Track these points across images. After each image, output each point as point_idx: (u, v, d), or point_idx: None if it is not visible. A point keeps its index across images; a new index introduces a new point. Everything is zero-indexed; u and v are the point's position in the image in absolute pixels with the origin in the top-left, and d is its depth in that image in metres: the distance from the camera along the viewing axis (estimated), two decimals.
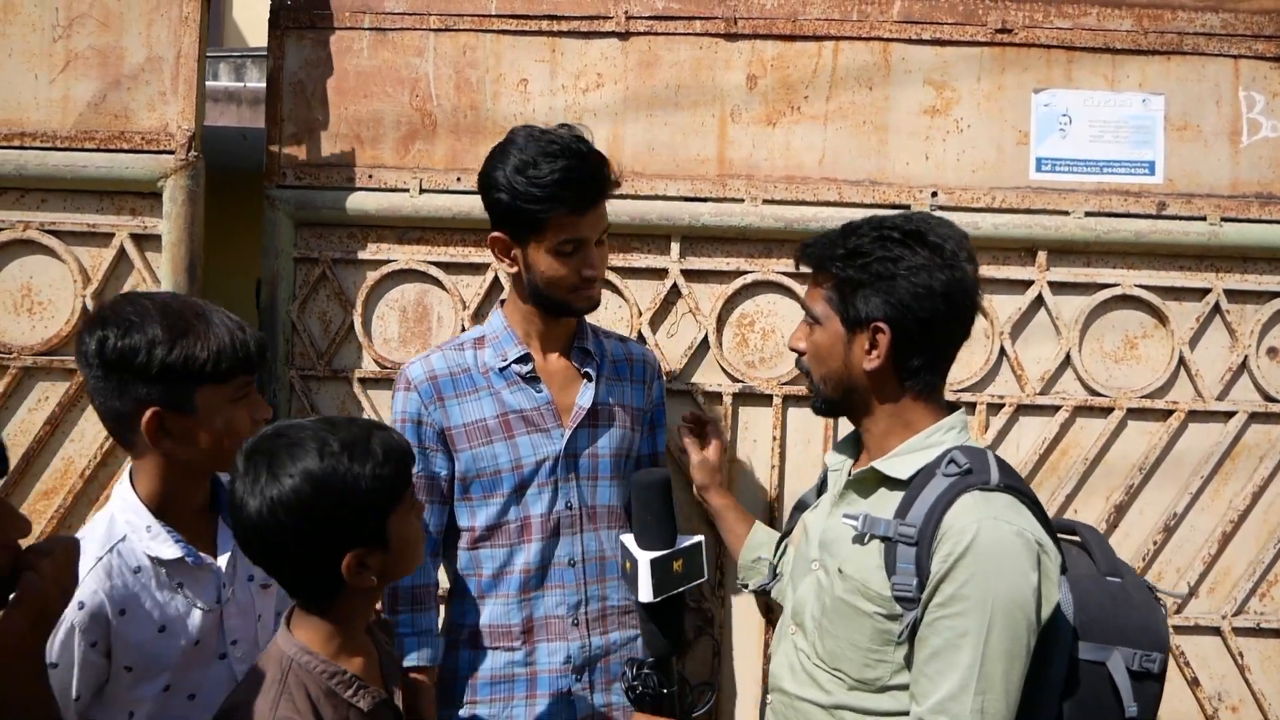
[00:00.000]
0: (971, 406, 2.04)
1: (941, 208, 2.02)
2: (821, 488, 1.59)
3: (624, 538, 1.47)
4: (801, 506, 1.63)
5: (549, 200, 1.52)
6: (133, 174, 1.91)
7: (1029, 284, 2.05)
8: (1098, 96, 2.07)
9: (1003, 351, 2.05)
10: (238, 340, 1.31)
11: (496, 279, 2.05)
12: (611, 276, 2.03)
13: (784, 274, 2.04)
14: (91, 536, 1.29)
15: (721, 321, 2.06)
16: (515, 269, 1.63)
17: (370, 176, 2.04)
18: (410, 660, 1.63)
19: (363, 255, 2.05)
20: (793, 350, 1.45)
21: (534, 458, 1.65)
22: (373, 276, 2.05)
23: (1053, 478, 2.07)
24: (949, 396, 2.09)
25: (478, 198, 2.01)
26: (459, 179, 2.04)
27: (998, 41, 2.05)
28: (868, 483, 1.38)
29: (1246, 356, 2.06)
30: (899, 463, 1.33)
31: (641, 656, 1.60)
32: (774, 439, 2.05)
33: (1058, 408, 2.06)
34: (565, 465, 1.66)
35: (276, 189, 2.03)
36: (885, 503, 1.33)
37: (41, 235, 1.93)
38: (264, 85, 2.19)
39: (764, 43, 2.04)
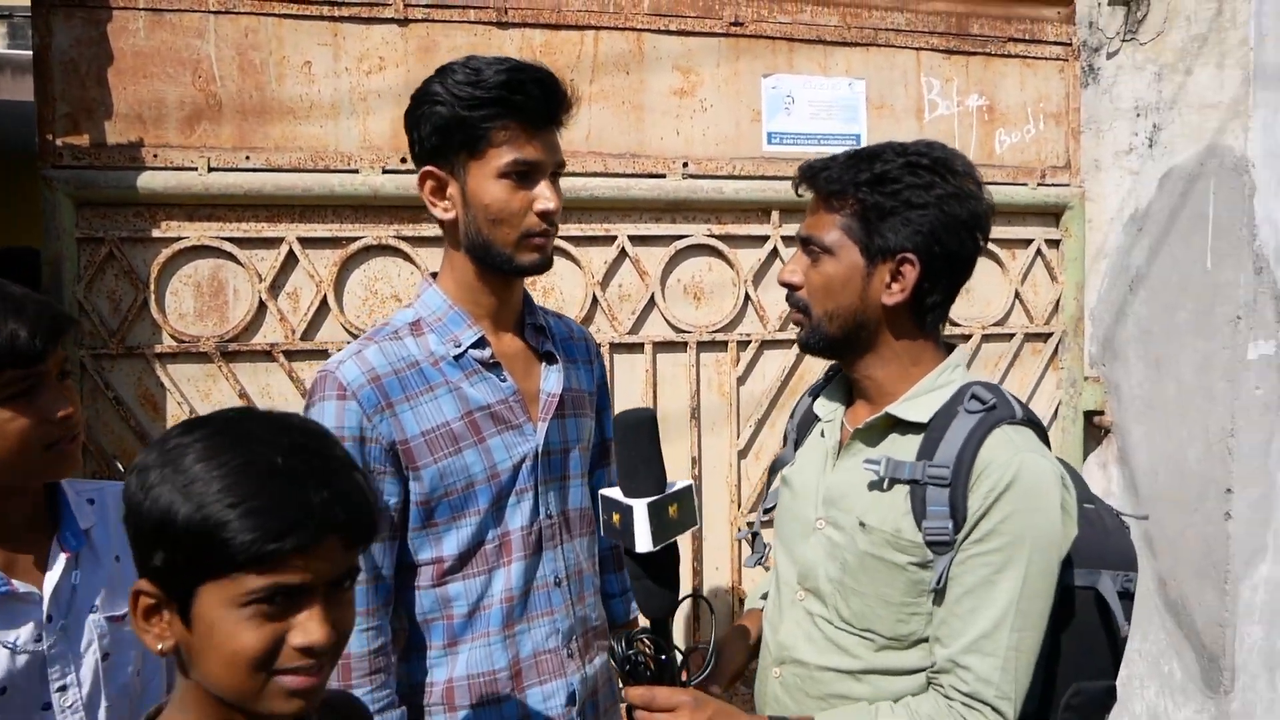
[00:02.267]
0: (724, 345, 2.41)
1: (692, 176, 2.36)
2: (798, 443, 1.46)
3: (604, 491, 1.24)
4: (779, 466, 1.48)
5: (495, 105, 1.28)
6: None
7: (766, 239, 2.44)
8: (814, 81, 2.48)
9: (747, 296, 2.43)
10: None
11: (291, 251, 2.16)
12: (405, 246, 2.21)
13: (561, 237, 2.30)
14: None
15: None
16: (452, 213, 1.35)
17: (155, 156, 2.08)
18: None
19: (154, 234, 2.10)
20: (785, 285, 1.33)
21: (509, 461, 1.38)
22: (165, 254, 2.10)
23: (793, 400, 2.49)
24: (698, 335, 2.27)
25: (268, 175, 2.13)
26: (247, 157, 2.13)
27: (732, 33, 2.40)
28: (876, 430, 1.30)
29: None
30: (916, 405, 1.27)
31: (623, 630, 1.41)
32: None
33: (794, 342, 2.47)
34: (542, 466, 1.42)
35: (54, 169, 2.03)
36: (901, 448, 1.26)
37: None
38: None
39: (533, 31, 2.28)
